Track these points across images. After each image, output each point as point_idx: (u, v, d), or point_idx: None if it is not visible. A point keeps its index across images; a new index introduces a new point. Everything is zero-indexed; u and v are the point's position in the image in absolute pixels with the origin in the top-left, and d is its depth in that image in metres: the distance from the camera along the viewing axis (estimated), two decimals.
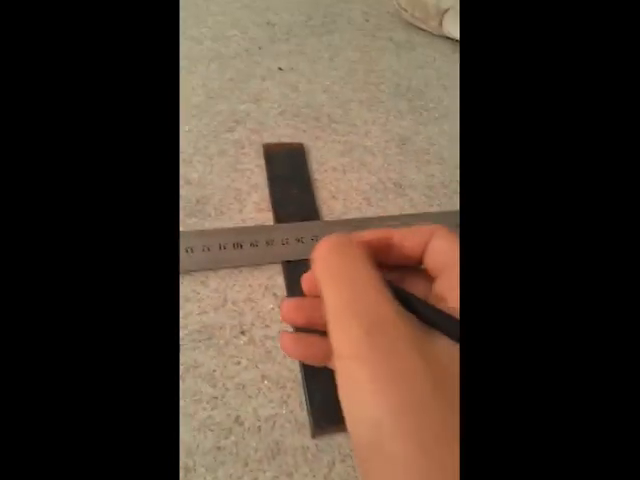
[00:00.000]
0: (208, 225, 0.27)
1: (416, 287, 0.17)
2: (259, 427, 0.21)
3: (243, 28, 0.42)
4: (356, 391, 0.13)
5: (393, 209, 0.30)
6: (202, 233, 0.26)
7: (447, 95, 0.39)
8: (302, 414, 0.21)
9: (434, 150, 0.34)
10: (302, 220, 0.28)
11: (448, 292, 0.15)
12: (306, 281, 0.18)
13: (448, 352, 0.13)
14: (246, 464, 0.20)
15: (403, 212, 0.30)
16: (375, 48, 0.42)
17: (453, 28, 0.44)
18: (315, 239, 0.27)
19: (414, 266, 0.17)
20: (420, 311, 0.14)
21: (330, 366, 0.17)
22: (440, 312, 0.14)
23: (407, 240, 0.17)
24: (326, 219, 0.29)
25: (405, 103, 0.38)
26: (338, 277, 0.14)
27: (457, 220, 0.30)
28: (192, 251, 0.25)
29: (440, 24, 0.45)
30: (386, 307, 0.13)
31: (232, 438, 0.20)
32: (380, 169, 0.32)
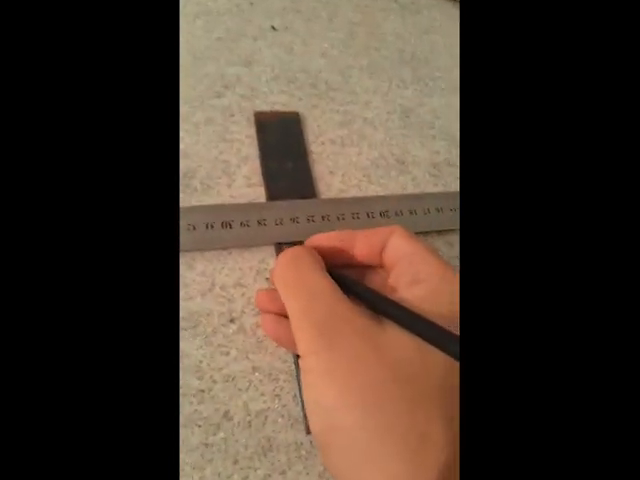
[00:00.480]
0: (194, 201, 0.25)
1: (374, 283, 0.18)
2: (249, 422, 0.19)
3: None
4: (313, 381, 0.14)
5: (395, 187, 0.28)
6: (188, 210, 0.24)
7: (454, 64, 0.36)
8: (296, 408, 0.20)
9: (439, 124, 0.32)
10: (297, 197, 0.26)
11: (399, 283, 0.17)
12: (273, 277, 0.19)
13: (397, 339, 0.14)
14: (236, 461, 0.18)
15: (405, 191, 0.28)
16: (378, 9, 0.39)
17: None
18: (311, 219, 0.25)
19: (374, 265, 0.19)
20: (372, 302, 0.16)
21: None
22: (391, 302, 0.15)
23: (368, 240, 0.18)
24: (323, 197, 0.27)
25: (409, 71, 0.35)
26: (293, 289, 0.16)
27: None
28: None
29: None
30: (337, 307, 0.15)
31: (221, 434, 0.19)
32: (381, 143, 0.30)
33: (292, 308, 0.16)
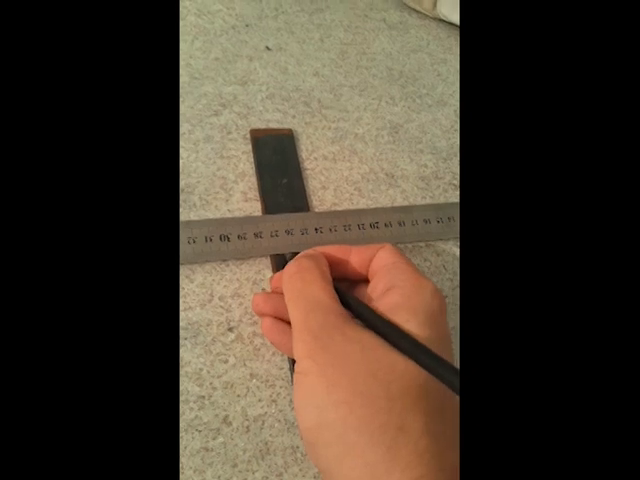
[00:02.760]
0: (193, 216, 0.26)
1: (362, 296, 0.19)
2: (248, 427, 0.20)
3: (229, 3, 0.39)
4: (306, 381, 0.15)
5: (385, 200, 0.29)
6: (187, 224, 0.25)
7: (440, 81, 0.38)
8: (292, 413, 0.21)
9: (427, 139, 0.33)
10: (292, 211, 0.27)
11: (376, 290, 0.18)
12: (274, 280, 0.21)
13: (382, 344, 0.16)
14: (235, 465, 0.19)
15: (395, 204, 0.29)
16: (368, 29, 0.41)
17: (447, 10, 0.43)
18: (305, 232, 0.26)
19: (364, 279, 0.20)
20: (362, 314, 0.17)
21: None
22: (375, 315, 0.17)
23: (361, 255, 0.20)
24: (316, 210, 0.28)
25: (397, 89, 0.37)
26: (297, 299, 0.17)
27: (450, 212, 0.29)
28: None
29: (434, 6, 0.43)
30: (332, 317, 0.16)
31: (220, 439, 0.20)
32: (372, 158, 0.31)
33: (294, 317, 0.17)
